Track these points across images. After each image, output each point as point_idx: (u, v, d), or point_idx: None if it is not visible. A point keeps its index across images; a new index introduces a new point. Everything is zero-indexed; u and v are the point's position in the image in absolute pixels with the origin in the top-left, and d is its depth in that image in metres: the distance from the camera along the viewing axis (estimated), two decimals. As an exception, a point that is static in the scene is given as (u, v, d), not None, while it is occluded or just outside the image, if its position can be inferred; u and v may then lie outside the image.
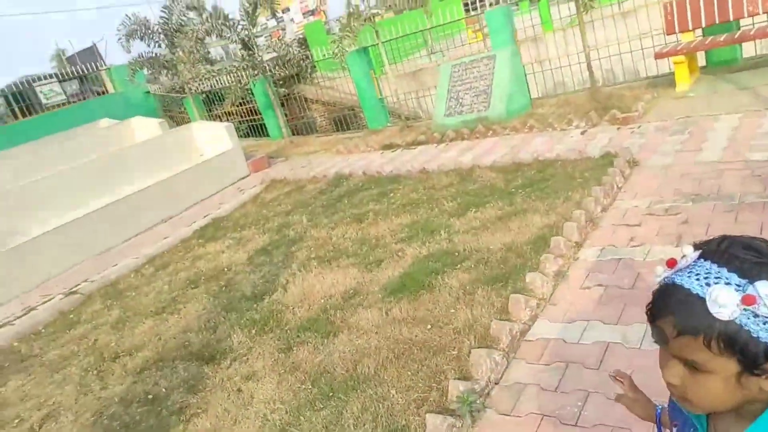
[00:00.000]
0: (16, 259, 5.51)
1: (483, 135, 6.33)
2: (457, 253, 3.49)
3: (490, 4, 12.42)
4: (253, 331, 3.34)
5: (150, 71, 11.74)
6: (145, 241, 6.14)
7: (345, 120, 10.95)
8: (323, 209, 5.42)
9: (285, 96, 11.40)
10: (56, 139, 9.42)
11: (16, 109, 13.27)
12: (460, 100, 6.80)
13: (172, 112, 12.94)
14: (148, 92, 13.05)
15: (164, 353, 3.39)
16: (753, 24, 5.60)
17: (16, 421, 3.14)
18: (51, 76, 13.96)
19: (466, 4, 18.17)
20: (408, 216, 4.51)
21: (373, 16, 8.41)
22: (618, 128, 5.23)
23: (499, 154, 5.43)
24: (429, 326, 2.79)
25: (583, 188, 3.86)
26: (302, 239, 4.75)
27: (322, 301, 3.46)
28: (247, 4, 8.56)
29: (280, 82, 11.01)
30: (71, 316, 4.46)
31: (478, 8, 13.26)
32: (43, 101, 13.61)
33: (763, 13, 5.20)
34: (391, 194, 5.22)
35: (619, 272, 2.84)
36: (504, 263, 3.17)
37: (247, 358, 3.08)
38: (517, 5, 14.22)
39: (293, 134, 10.60)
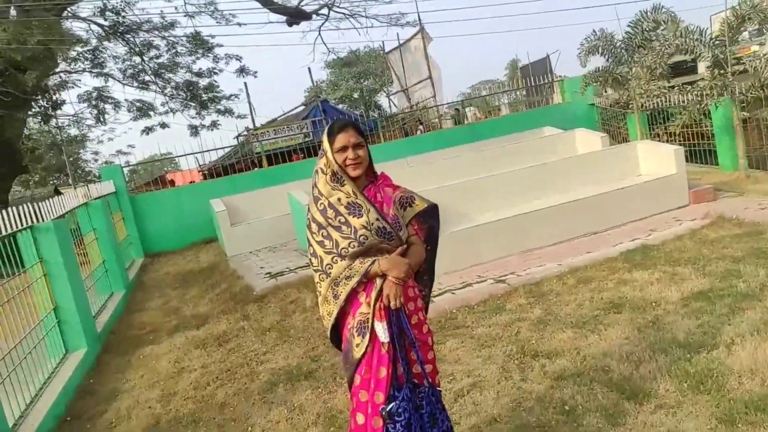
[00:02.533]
0: (460, 240, 6.46)
1: None
2: None
3: None
4: (685, 384, 3.01)
5: (599, 85, 11.94)
6: (567, 251, 6.32)
7: (827, 159, 8.70)
8: (790, 267, 4.43)
9: (743, 121, 9.81)
10: (508, 140, 10.69)
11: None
12: None
13: (611, 126, 12.86)
14: (592, 104, 13.31)
15: (582, 369, 3.41)
16: None
17: (450, 378, 3.70)
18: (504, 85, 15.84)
19: None
20: None
21: None
22: None
23: None
24: None
25: None
26: (756, 296, 4.01)
27: (784, 382, 2.83)
28: (732, 18, 7.62)
29: (743, 105, 9.51)
30: (498, 302, 4.98)
31: None
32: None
33: None
34: None
35: None
36: None
37: (675, 412, 2.79)
38: None
39: (750, 167, 9.04)
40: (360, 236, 2.14)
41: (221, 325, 5.87)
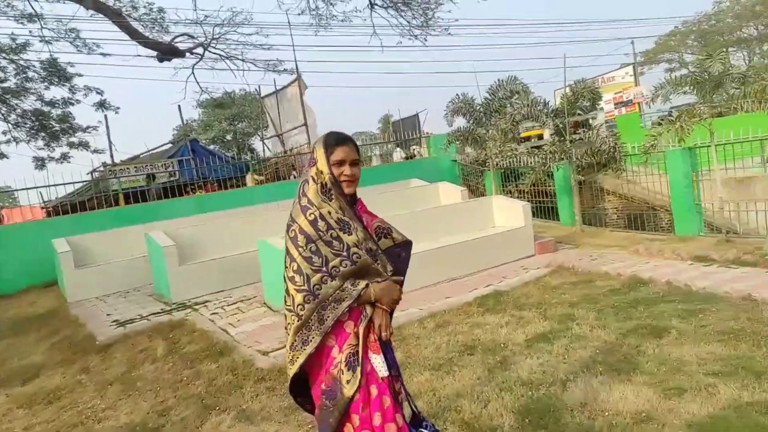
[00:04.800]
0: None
1: (841, 272, 5.07)
2: (797, 414, 2.80)
3: None
4: (527, 420, 3.23)
5: (461, 143, 12.94)
6: (429, 296, 6.58)
7: (641, 218, 10.14)
8: (614, 311, 5.03)
9: (579, 183, 11.19)
10: (380, 189, 11.05)
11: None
12: (813, 224, 5.61)
13: (470, 182, 13.90)
14: (455, 161, 14.33)
15: (437, 410, 3.52)
16: None
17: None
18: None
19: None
20: (723, 347, 3.85)
21: (710, 114, 7.68)
22: None
23: None
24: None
25: None
26: (587, 338, 4.46)
27: (607, 414, 3.16)
28: (570, 94, 8.79)
29: (580, 169, 10.86)
30: (361, 346, 5.01)
31: None
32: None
33: None
34: (701, 315, 4.56)
35: None
36: None
37: (517, 447, 2.98)
38: None
39: (584, 223, 10.24)
40: (353, 254, 1.97)
41: (54, 379, 5.20)
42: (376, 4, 17.71)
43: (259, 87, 23.06)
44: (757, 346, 3.77)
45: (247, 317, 6.42)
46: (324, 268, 1.94)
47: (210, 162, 14.20)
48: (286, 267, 2.02)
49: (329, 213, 1.99)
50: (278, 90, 19.99)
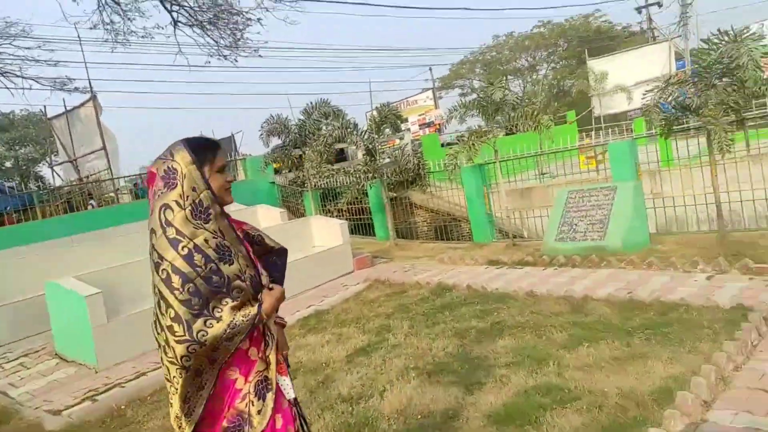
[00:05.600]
0: (137, 323, 5.88)
1: (596, 265, 6.14)
2: (567, 390, 3.30)
3: (601, 130, 12.51)
4: (347, 437, 3.31)
5: (278, 164, 12.90)
6: (250, 322, 6.41)
7: (446, 229, 11.14)
8: (424, 318, 5.41)
9: (392, 199, 11.94)
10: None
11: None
12: (574, 227, 6.72)
13: (290, 203, 13.91)
14: (273, 183, 14.22)
15: (258, 442, 3.42)
16: None
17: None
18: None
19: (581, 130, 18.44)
20: (513, 340, 4.39)
21: (494, 135, 8.77)
22: (750, 278, 4.87)
23: (613, 288, 5.22)
24: (535, 468, 2.61)
25: (713, 341, 3.58)
26: (401, 346, 4.73)
27: (420, 417, 3.38)
28: (377, 116, 9.33)
29: (391, 186, 11.58)
30: (176, 386, 4.66)
31: (593, 136, 13.34)
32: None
33: None
34: (495, 313, 5.14)
35: (760, 446, 2.53)
36: (621, 412, 2.95)
37: (339, 465, 3.03)
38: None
39: (398, 237, 10.91)
40: (234, 289, 1.71)
41: None
42: (180, 22, 16.86)
43: (44, 107, 20.34)
44: (539, 336, 4.36)
45: (34, 373, 5.56)
46: (205, 311, 1.67)
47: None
48: (161, 314, 1.70)
49: (205, 241, 1.71)
50: (69, 110, 17.88)
